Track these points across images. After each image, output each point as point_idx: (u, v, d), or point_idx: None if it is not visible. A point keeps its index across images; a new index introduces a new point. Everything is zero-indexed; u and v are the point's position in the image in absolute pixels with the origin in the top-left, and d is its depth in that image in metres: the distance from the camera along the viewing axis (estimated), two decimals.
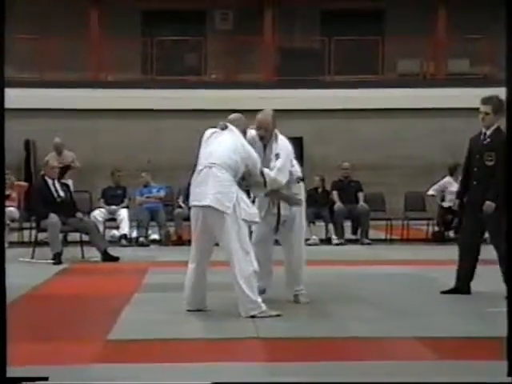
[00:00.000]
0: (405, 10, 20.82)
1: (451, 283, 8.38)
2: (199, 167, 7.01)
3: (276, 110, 7.59)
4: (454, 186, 14.76)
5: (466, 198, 8.21)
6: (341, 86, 20.40)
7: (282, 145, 7.44)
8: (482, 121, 7.94)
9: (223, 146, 6.94)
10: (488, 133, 7.93)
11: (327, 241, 14.43)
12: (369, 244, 14.16)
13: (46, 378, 4.33)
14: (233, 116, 7.31)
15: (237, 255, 6.76)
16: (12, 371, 3.99)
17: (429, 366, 5.18)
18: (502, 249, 7.37)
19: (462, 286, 8.10)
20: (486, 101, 7.86)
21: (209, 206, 6.77)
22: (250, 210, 6.91)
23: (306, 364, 5.20)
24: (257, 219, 7.04)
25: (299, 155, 9.16)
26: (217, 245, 7.02)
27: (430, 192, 14.92)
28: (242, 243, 6.79)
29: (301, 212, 7.69)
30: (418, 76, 21.87)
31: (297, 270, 7.66)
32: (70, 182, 14.15)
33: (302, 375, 4.91)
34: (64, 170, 14.52)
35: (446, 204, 14.68)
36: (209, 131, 7.20)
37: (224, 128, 7.10)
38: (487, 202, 7.77)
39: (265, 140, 7.44)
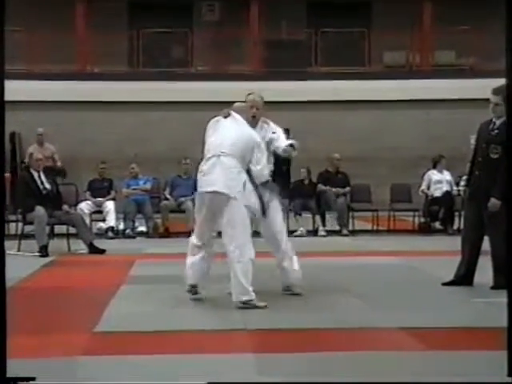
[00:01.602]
0: (391, 1, 20.83)
1: (437, 273, 8.39)
2: (208, 155, 7.06)
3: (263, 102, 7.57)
4: (437, 176, 14.88)
5: (468, 189, 7.99)
6: (327, 78, 20.38)
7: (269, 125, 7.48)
8: (493, 111, 7.69)
9: (230, 134, 7.02)
10: (497, 123, 7.62)
11: (314, 232, 14.45)
12: (347, 235, 14.17)
13: (33, 378, 4.33)
14: (237, 104, 7.37)
15: (238, 241, 6.82)
16: None
17: (416, 356, 5.19)
18: (497, 243, 7.30)
19: (464, 279, 7.91)
20: (496, 91, 7.53)
21: (217, 192, 6.86)
22: (251, 199, 7.01)
23: (293, 355, 5.20)
24: (256, 210, 7.09)
25: None
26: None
27: (422, 188, 14.90)
28: (244, 229, 6.87)
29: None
30: (405, 68, 21.90)
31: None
32: None
33: (290, 366, 4.92)
34: (48, 171, 13.84)
35: (430, 193, 14.74)
36: (213, 120, 7.27)
37: (227, 116, 7.17)
38: (492, 200, 7.49)
39: (255, 120, 7.39)
